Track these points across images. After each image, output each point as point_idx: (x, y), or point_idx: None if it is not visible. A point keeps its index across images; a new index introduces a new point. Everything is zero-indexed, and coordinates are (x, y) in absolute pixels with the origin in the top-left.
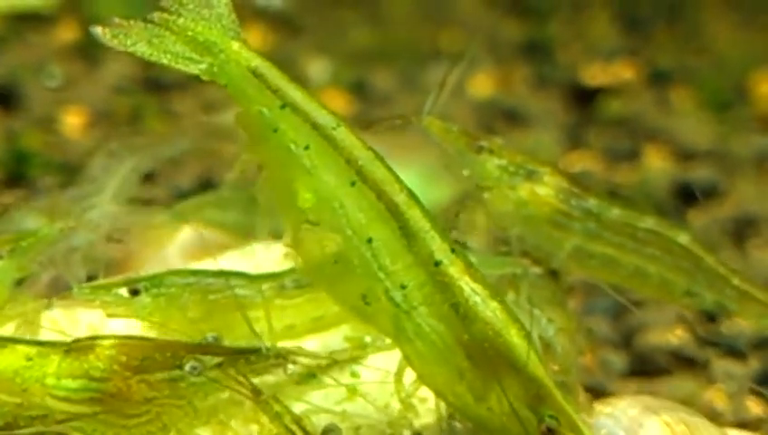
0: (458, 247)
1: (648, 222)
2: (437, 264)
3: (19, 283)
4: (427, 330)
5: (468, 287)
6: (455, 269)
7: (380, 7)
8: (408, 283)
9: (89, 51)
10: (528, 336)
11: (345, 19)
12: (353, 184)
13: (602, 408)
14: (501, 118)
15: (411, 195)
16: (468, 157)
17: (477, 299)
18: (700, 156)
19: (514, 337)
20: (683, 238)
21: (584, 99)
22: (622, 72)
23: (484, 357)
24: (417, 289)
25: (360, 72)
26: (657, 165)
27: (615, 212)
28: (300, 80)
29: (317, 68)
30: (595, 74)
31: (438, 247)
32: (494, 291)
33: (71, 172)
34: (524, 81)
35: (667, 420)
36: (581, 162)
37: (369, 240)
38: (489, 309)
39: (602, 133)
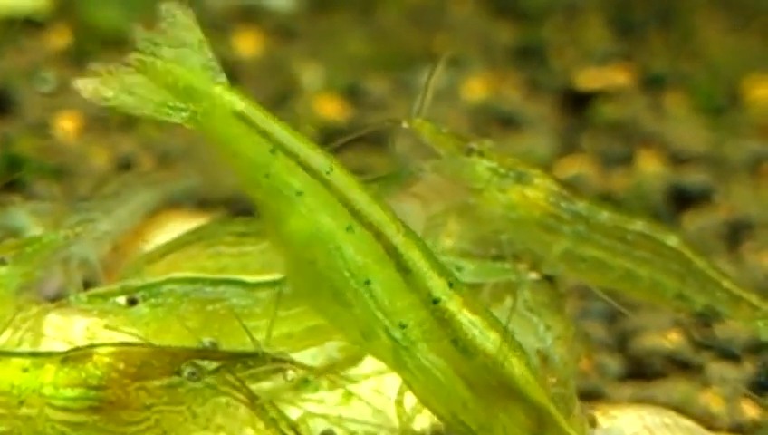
0: (456, 280)
1: (638, 225)
2: (436, 301)
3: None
4: (428, 365)
5: (467, 320)
6: (453, 304)
7: (374, 13)
8: (407, 322)
9: (82, 56)
10: (529, 363)
11: (339, 25)
12: (349, 228)
13: (602, 420)
14: (494, 122)
15: (409, 234)
16: (458, 159)
17: (476, 332)
18: (694, 160)
19: (515, 367)
20: (672, 241)
21: (578, 103)
22: (616, 76)
23: (486, 388)
24: (416, 327)
25: (354, 77)
26: (650, 169)
27: (605, 215)
28: (293, 85)
29: (310, 73)
30: (589, 79)
31: (436, 285)
32: (494, 320)
33: (64, 177)
34: (518, 85)
35: None
36: (575, 167)
37: (368, 282)
38: (489, 341)
39: (596, 138)
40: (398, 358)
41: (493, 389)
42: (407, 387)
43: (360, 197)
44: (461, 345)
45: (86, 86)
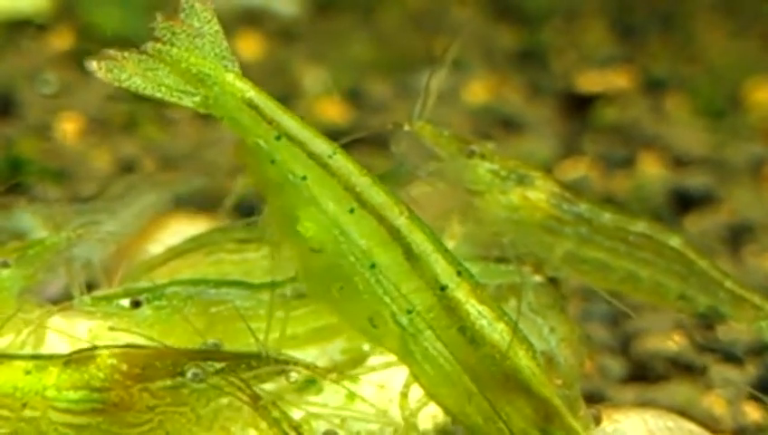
0: (464, 268)
1: (640, 226)
2: (443, 288)
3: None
4: (435, 354)
5: (475, 310)
6: (461, 293)
7: (375, 16)
8: (414, 307)
9: (83, 58)
10: (536, 356)
11: (341, 28)
12: (352, 211)
13: (605, 424)
14: (496, 125)
15: (413, 218)
16: (460, 161)
17: (484, 322)
18: (695, 163)
19: (522, 359)
20: (675, 242)
21: (579, 106)
22: (617, 79)
23: (492, 379)
24: (423, 313)
25: (356, 80)
26: (652, 172)
27: (606, 216)
28: (294, 88)
29: (312, 76)
30: (590, 82)
31: (443, 271)
32: (502, 311)
33: (66, 179)
34: (519, 88)
35: None
36: (577, 169)
37: (373, 266)
38: (496, 332)
39: (597, 140)
40: (405, 346)
41: (499, 381)
42: (413, 380)
43: (361, 181)
44: (468, 335)
45: (100, 66)
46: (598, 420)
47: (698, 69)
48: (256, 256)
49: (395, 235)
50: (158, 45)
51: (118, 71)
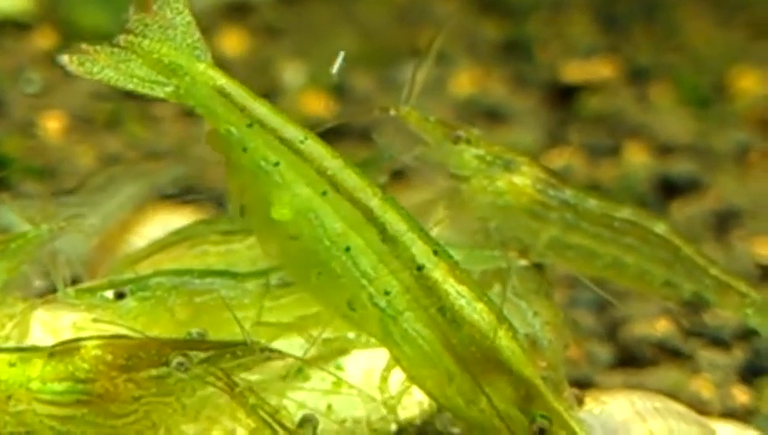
0: (441, 248)
1: (625, 212)
2: (420, 268)
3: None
4: (414, 335)
5: (454, 290)
6: (438, 272)
7: (359, 9)
8: (391, 289)
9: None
10: (516, 336)
11: (323, 21)
12: (324, 194)
13: (592, 405)
14: (481, 116)
15: (386, 199)
16: (446, 147)
17: (463, 302)
18: (680, 151)
19: (502, 339)
20: (660, 228)
21: (564, 96)
22: (601, 69)
23: (472, 360)
24: (401, 295)
25: (339, 74)
26: (637, 161)
27: (592, 203)
28: (278, 82)
29: (294, 70)
30: (574, 72)
31: (419, 251)
32: (481, 292)
33: (50, 177)
34: (504, 79)
35: (653, 429)
36: (562, 159)
37: (348, 249)
38: (476, 312)
39: (582, 130)
40: (385, 328)
41: (479, 361)
42: (394, 363)
43: (334, 164)
44: (448, 315)
45: (72, 60)
46: (580, 402)
47: (683, 58)
48: (241, 248)
49: (369, 216)
50: (130, 37)
51: (90, 64)
